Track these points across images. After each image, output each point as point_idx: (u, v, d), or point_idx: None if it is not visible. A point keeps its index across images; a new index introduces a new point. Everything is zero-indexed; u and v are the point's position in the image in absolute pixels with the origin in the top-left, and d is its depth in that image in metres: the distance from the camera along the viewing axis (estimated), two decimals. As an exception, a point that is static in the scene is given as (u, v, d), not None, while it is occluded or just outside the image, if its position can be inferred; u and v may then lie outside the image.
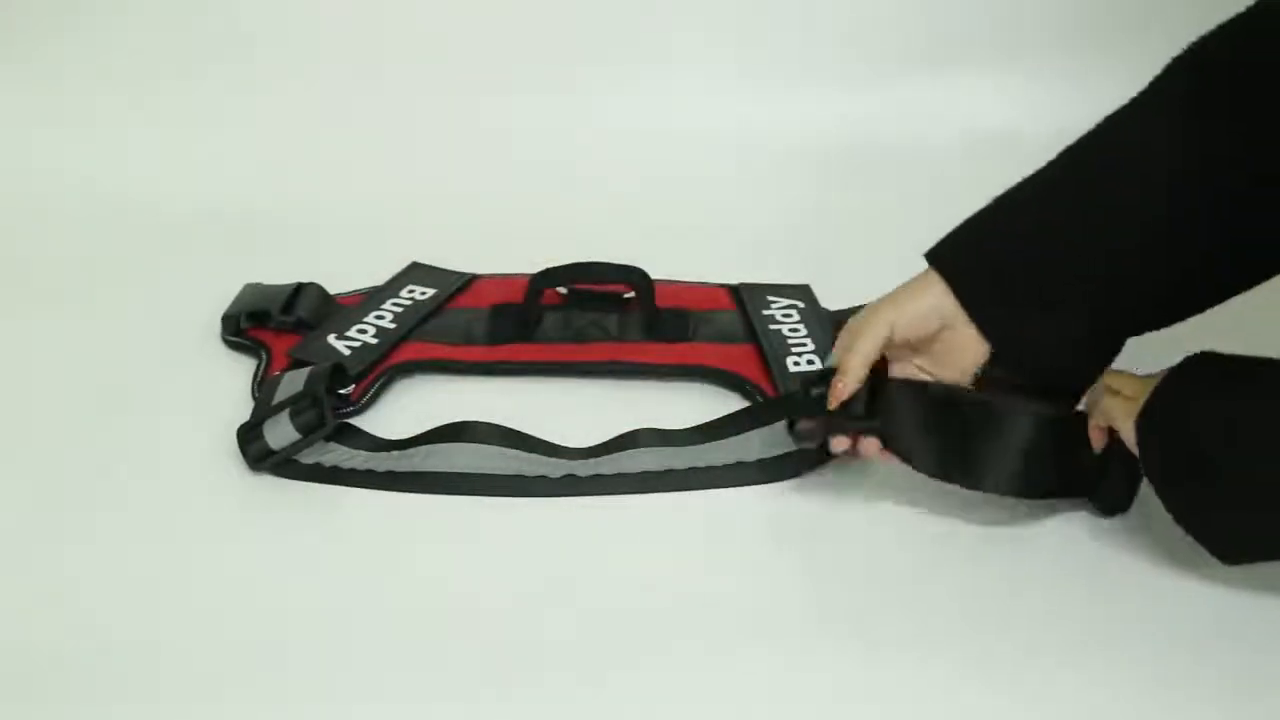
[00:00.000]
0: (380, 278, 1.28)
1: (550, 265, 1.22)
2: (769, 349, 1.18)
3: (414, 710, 0.87)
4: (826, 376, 1.00)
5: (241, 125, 1.50)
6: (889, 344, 1.00)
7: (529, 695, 0.88)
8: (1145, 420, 0.93)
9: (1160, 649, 0.91)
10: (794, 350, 1.17)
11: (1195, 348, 0.93)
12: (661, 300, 1.22)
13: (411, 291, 1.26)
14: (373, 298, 1.25)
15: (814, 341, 1.18)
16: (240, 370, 1.17)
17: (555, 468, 1.05)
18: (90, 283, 1.31)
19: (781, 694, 0.88)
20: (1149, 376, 0.95)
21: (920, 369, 1.02)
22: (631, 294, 1.23)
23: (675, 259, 1.29)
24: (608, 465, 1.05)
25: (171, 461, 1.07)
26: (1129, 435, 0.94)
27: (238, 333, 1.21)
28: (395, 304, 1.24)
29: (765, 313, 1.23)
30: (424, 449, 1.06)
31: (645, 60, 1.54)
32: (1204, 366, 0.92)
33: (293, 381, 1.10)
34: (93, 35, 1.51)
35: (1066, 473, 1.00)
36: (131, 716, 0.86)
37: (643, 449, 1.06)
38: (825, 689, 0.88)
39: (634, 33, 1.54)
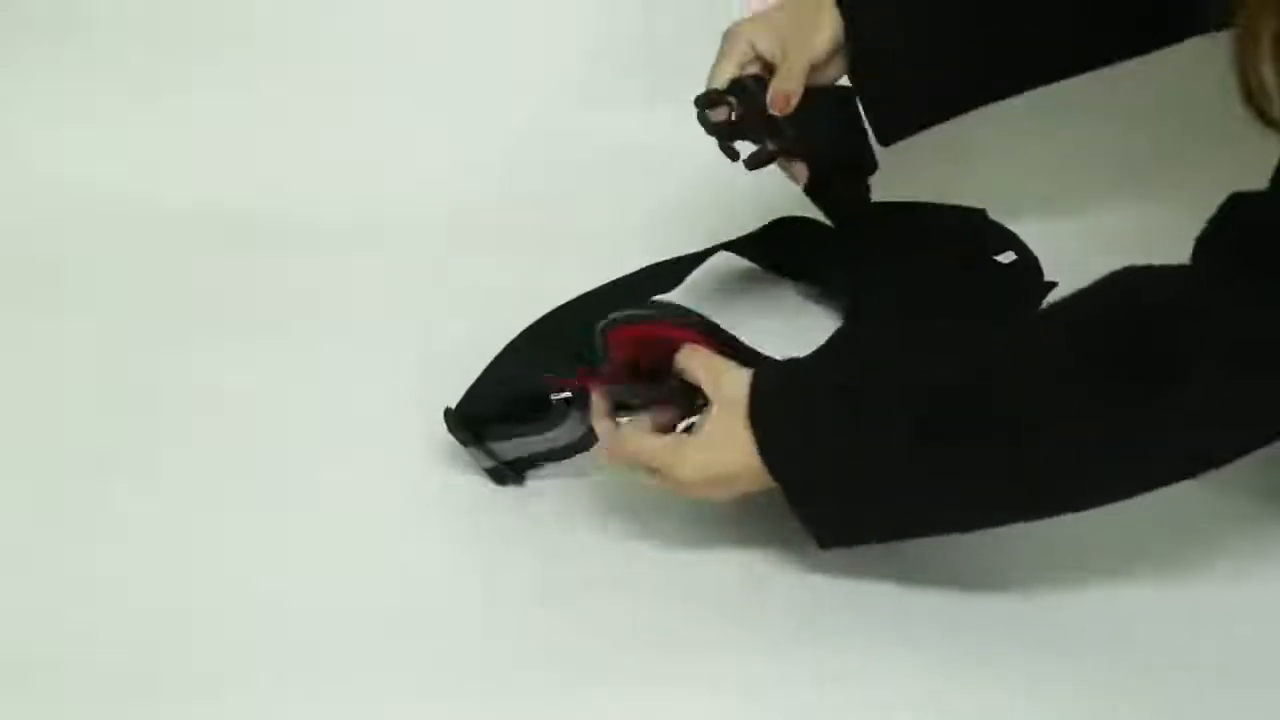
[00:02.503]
0: (380, 277, 1.28)
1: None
2: None
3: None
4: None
5: (241, 125, 1.49)
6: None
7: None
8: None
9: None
10: None
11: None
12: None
13: None
14: None
15: None
16: (242, 369, 1.17)
17: None
18: (90, 283, 1.31)
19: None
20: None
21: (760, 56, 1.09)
22: None
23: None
24: None
25: (172, 461, 1.07)
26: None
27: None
28: None
29: None
30: None
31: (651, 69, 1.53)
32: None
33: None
34: (93, 35, 1.51)
35: None
36: (131, 716, 0.86)
37: None
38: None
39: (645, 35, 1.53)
